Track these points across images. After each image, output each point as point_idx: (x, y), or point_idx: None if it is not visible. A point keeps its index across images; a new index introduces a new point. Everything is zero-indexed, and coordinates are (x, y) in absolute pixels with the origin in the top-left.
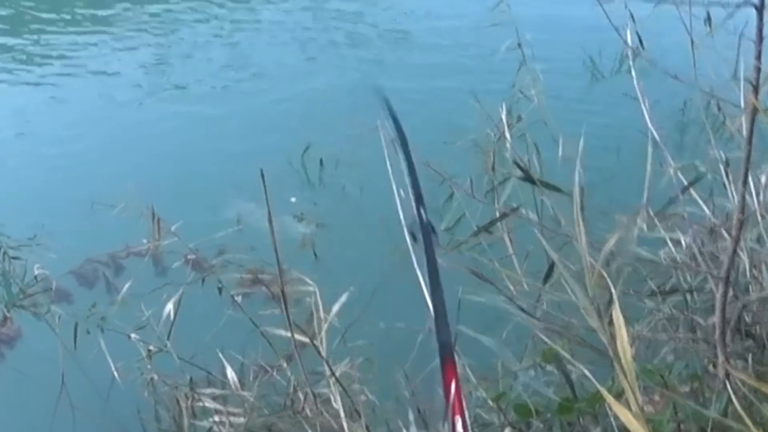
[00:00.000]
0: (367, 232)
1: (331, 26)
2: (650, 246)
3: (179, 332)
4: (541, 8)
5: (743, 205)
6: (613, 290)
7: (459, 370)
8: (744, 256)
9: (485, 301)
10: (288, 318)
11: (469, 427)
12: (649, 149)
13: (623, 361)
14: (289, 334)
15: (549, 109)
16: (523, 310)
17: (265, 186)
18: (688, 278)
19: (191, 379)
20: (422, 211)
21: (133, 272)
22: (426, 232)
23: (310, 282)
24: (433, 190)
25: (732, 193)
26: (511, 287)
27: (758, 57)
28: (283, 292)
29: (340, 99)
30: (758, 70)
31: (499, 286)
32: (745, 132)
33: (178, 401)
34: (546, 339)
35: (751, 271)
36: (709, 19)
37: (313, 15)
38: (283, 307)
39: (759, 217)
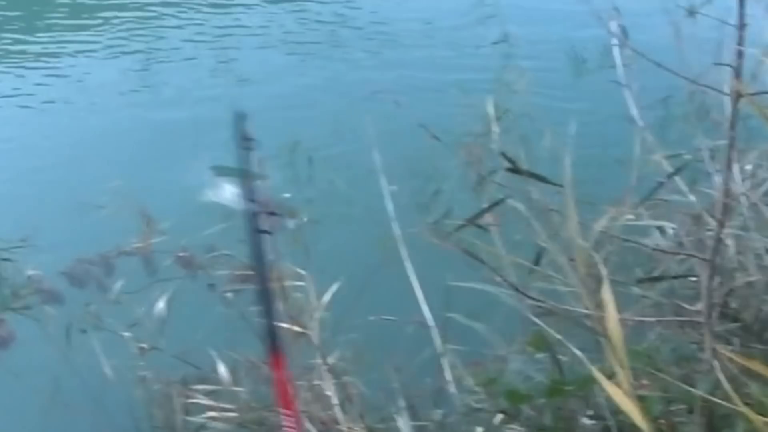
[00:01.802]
0: (355, 227)
1: (313, 28)
2: (636, 234)
3: (171, 330)
4: (525, 3)
5: (728, 188)
6: (602, 270)
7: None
8: (730, 242)
9: (475, 286)
10: (283, 308)
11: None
12: (636, 138)
13: (613, 338)
14: (281, 327)
15: (534, 102)
16: (514, 288)
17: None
18: (674, 266)
19: (184, 376)
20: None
21: (124, 271)
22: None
23: (302, 271)
24: (421, 185)
25: (716, 180)
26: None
27: (740, 42)
28: (277, 285)
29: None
30: (740, 54)
31: (489, 269)
32: (728, 116)
33: (170, 398)
34: (536, 320)
35: (737, 257)
36: (692, 11)
37: (295, 17)
38: (278, 298)
39: (743, 205)
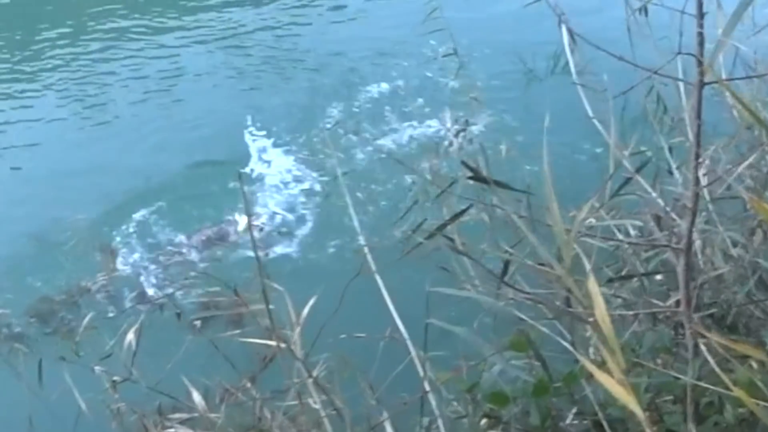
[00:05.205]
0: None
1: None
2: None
3: (143, 362)
4: (472, 14)
5: (697, 175)
6: (585, 262)
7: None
8: (696, 237)
9: (452, 292)
10: (270, 319)
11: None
12: (594, 138)
13: (603, 326)
14: (261, 345)
15: (491, 111)
16: (497, 277)
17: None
18: (640, 266)
19: (159, 405)
20: None
21: (90, 307)
22: None
23: (279, 288)
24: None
25: (678, 177)
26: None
27: (700, 29)
28: (266, 299)
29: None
30: (701, 41)
31: (466, 275)
32: (692, 105)
33: (146, 428)
34: (520, 315)
35: (704, 251)
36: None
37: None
38: (265, 313)
39: (706, 200)
